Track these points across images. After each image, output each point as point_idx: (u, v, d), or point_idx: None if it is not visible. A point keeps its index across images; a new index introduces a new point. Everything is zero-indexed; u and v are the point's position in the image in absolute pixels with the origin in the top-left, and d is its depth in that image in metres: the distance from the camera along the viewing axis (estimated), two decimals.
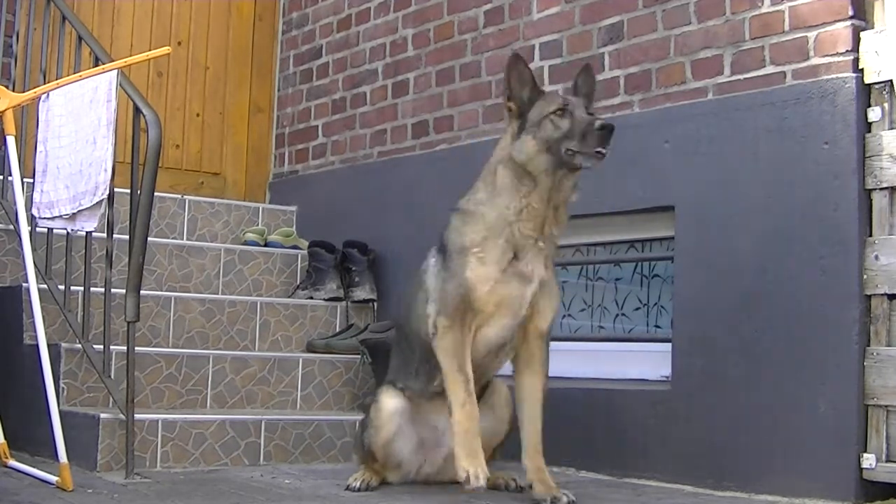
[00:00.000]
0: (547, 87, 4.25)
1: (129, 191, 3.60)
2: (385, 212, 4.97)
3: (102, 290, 3.78)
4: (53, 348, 3.79)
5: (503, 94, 3.17)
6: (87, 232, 3.62)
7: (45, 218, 3.66)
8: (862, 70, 3.32)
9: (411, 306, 3.29)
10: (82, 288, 3.80)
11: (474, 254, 3.08)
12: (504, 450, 3.41)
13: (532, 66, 4.31)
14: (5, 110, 3.52)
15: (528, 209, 3.07)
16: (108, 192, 3.43)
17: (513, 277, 3.08)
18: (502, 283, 3.07)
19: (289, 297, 4.99)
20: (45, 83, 4.02)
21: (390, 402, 3.30)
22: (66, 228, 3.65)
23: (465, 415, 3.05)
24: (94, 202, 3.43)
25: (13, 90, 4.02)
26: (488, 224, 3.09)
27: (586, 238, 4.17)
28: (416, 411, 3.31)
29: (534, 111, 3.09)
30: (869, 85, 3.31)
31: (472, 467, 2.97)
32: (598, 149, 2.96)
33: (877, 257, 3.24)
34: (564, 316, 4.29)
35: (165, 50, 3.66)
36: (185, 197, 5.29)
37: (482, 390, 3.30)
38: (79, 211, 3.49)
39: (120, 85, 3.48)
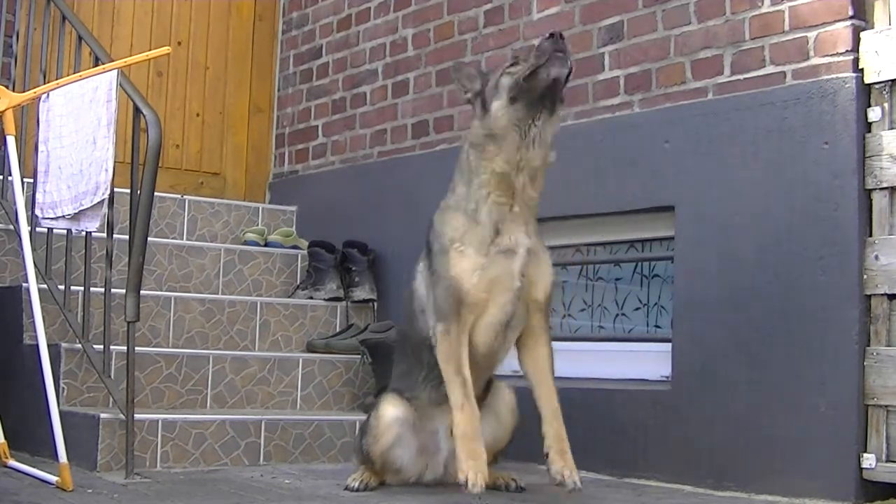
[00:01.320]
0: None
1: (129, 191, 3.60)
2: (385, 212, 4.96)
3: (102, 290, 3.78)
4: (53, 348, 3.79)
5: (460, 94, 3.24)
6: (87, 232, 3.62)
7: (48, 218, 3.66)
8: (862, 70, 3.32)
9: (411, 317, 3.27)
10: (82, 288, 3.80)
11: (455, 248, 3.06)
12: (504, 451, 3.42)
13: None
14: (5, 110, 3.52)
15: (495, 174, 3.05)
16: (108, 192, 3.42)
17: (497, 255, 3.05)
18: (488, 265, 3.04)
19: (289, 297, 4.99)
20: (45, 83, 4.02)
21: (390, 410, 3.27)
22: (69, 228, 3.65)
23: (464, 417, 3.02)
24: (95, 202, 3.43)
25: (13, 90, 4.01)
26: (468, 213, 3.09)
27: (586, 238, 4.17)
28: (419, 418, 3.28)
29: (489, 84, 3.12)
30: (869, 85, 3.31)
31: (472, 471, 2.93)
32: (554, 53, 2.95)
33: (877, 257, 3.24)
34: (564, 316, 4.29)
35: (165, 50, 3.66)
36: (185, 197, 5.29)
37: (486, 393, 3.30)
38: (80, 211, 3.49)
39: (120, 85, 3.48)
